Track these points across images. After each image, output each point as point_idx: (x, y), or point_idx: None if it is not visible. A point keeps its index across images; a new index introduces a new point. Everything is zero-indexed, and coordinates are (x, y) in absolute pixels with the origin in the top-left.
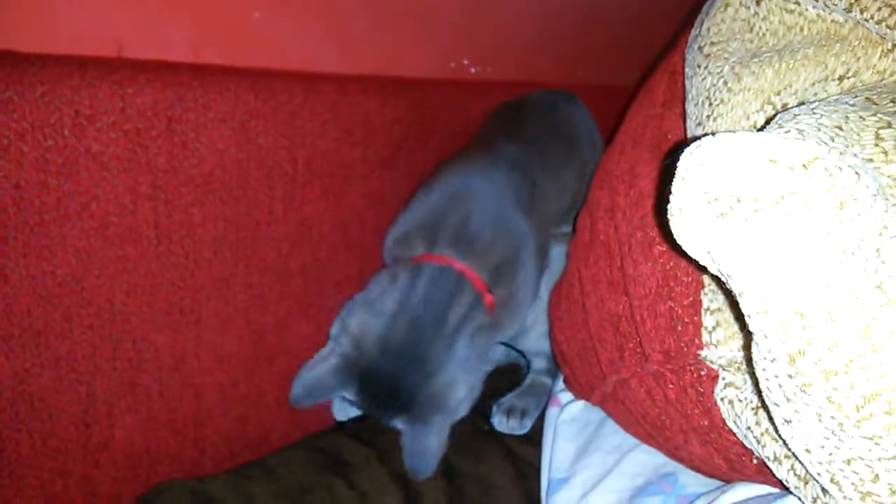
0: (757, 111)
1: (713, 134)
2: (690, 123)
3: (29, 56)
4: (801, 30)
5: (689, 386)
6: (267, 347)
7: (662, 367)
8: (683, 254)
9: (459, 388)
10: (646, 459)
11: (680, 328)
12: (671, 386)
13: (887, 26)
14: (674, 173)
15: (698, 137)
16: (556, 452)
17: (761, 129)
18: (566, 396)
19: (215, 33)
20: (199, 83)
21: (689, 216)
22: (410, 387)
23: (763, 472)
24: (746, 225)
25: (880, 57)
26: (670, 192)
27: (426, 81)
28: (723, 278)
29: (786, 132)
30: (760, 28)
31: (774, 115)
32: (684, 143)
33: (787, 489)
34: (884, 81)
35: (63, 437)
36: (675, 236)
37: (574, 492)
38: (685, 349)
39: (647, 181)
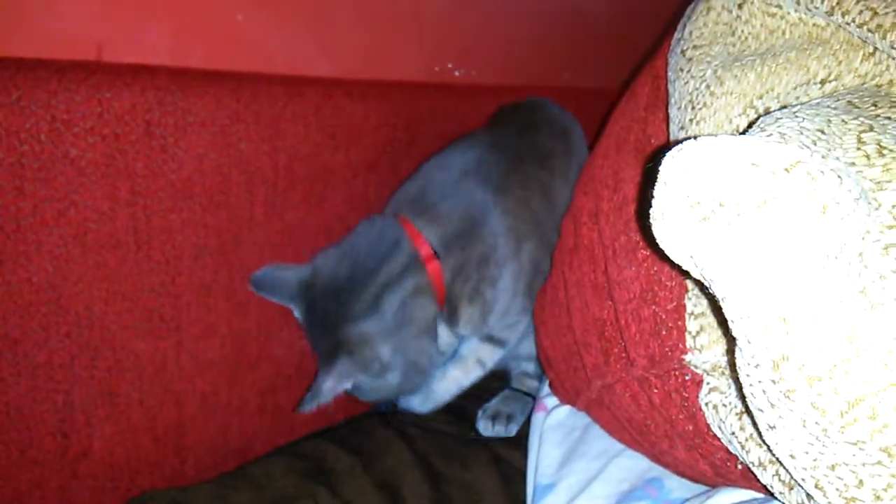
0: (739, 115)
1: (696, 138)
2: (673, 127)
3: (3, 59)
4: (783, 33)
5: (673, 391)
6: (249, 355)
7: (647, 371)
8: (666, 258)
9: (376, 344)
10: (631, 465)
11: (664, 332)
12: (656, 391)
13: (868, 30)
14: (656, 177)
15: (681, 141)
16: (542, 458)
17: (744, 132)
18: (552, 401)
19: (197, 36)
20: (178, 87)
21: (671, 220)
22: (330, 325)
23: (748, 478)
24: (729, 229)
25: (861, 60)
26: (652, 196)
27: (411, 85)
28: (705, 283)
29: (768, 136)
30: (742, 32)
31: (757, 119)
32: (667, 146)
33: (771, 494)
34: (865, 85)
35: (40, 447)
36: (658, 241)
37: (560, 498)
38: (669, 354)
39: (630, 185)
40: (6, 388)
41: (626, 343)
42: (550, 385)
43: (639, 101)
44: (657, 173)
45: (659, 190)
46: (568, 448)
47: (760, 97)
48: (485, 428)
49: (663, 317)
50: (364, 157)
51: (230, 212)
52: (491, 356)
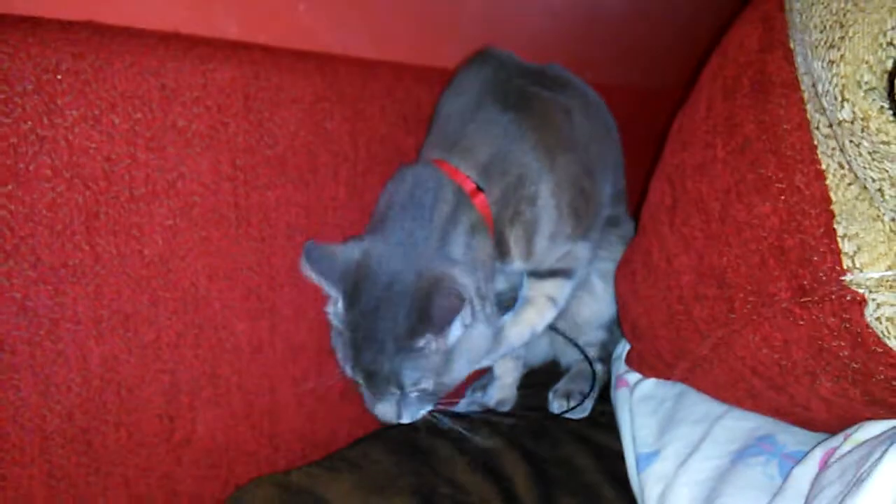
0: (893, 28)
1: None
2: (815, 51)
3: (113, 27)
4: None
5: (829, 315)
6: None
7: (793, 303)
8: None
9: (462, 280)
10: (737, 425)
11: (816, 259)
12: (802, 322)
13: None
14: None
15: (831, 61)
16: (639, 429)
17: None
18: (633, 377)
19: (262, 24)
20: (271, 63)
21: None
22: (406, 292)
23: None
24: None
25: None
26: None
27: None
28: None
29: None
30: None
31: None
32: None
33: None
34: None
35: (147, 430)
36: None
37: (668, 464)
38: (824, 278)
39: (752, 125)
40: (118, 366)
41: (761, 281)
42: (634, 360)
43: (749, 46)
44: None
45: None
46: (663, 417)
47: None
48: (559, 407)
49: (813, 243)
50: None
51: (318, 191)
52: (560, 290)
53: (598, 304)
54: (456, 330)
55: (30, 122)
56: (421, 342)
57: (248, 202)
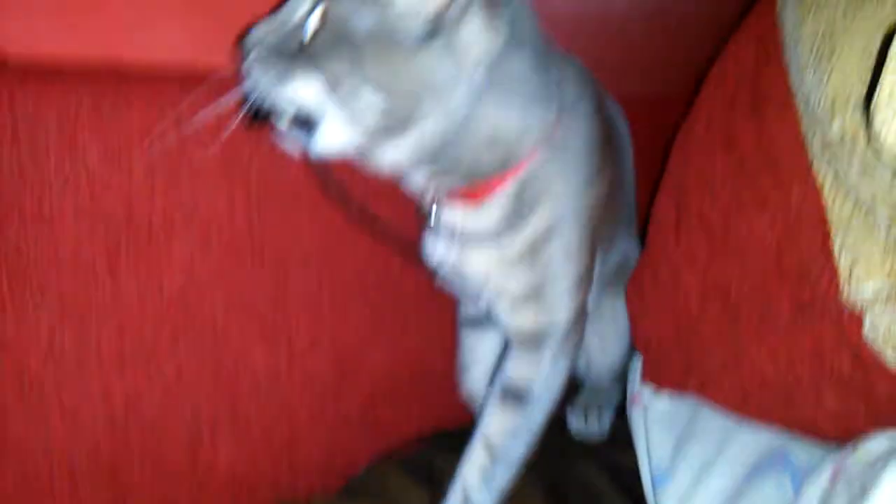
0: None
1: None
2: (804, 67)
3: (131, 66)
4: None
5: (829, 331)
6: (349, 367)
7: (793, 322)
8: None
9: None
10: (751, 440)
11: (814, 275)
12: (804, 338)
13: None
14: None
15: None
16: (654, 448)
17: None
18: (647, 393)
19: None
20: None
21: None
22: None
23: None
24: None
25: None
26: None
27: None
28: None
29: None
30: None
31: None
32: None
33: None
34: None
35: (171, 463)
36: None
37: (683, 482)
38: (822, 294)
39: (749, 141)
40: (140, 401)
41: (765, 298)
42: (649, 372)
43: (744, 63)
44: None
45: None
46: (678, 434)
47: None
48: (578, 423)
49: (810, 260)
50: None
51: (331, 218)
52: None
53: (609, 359)
54: None
55: (53, 164)
56: None
57: (262, 232)
